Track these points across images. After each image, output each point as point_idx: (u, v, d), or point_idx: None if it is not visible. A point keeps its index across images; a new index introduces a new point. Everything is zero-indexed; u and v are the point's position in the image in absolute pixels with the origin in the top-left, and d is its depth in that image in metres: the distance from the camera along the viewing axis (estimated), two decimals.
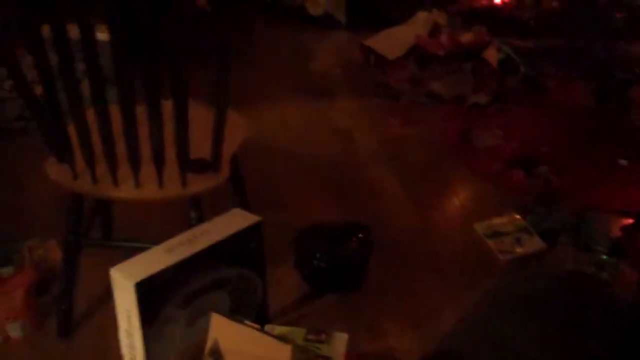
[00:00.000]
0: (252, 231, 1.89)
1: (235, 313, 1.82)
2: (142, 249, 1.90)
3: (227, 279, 1.88)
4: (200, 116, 1.86)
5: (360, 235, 2.27)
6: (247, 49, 3.82)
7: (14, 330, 2.11)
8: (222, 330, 1.67)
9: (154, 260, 1.75)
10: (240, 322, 1.65)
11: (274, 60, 3.90)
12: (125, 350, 1.77)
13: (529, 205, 2.68)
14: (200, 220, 1.96)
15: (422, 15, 3.95)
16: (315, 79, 3.78)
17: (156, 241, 1.93)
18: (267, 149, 3.00)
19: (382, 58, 3.75)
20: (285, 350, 1.56)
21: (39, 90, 1.84)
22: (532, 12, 3.70)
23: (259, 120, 2.45)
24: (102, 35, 1.72)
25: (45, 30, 1.73)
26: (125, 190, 1.91)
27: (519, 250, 2.47)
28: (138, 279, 1.67)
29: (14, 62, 1.80)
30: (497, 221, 2.61)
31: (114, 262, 1.92)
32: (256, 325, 1.64)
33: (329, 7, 4.39)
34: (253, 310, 1.93)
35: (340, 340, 1.73)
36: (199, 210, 1.97)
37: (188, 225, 1.95)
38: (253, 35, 4.21)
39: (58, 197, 2.38)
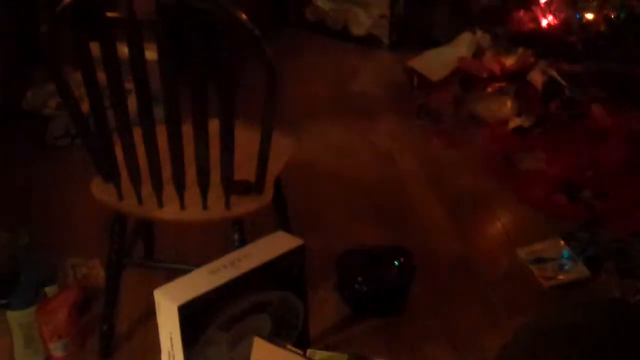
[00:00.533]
0: (295, 254, 1.88)
1: (276, 336, 1.81)
2: (183, 271, 1.90)
3: (269, 302, 1.87)
4: (245, 137, 1.87)
5: (402, 259, 2.26)
6: (290, 68, 3.84)
7: (57, 350, 2.13)
8: (264, 354, 1.66)
9: (198, 282, 1.75)
10: (283, 346, 1.64)
11: (317, 81, 3.90)
12: None
13: (573, 231, 2.65)
14: (244, 242, 1.96)
15: (466, 37, 3.93)
16: (358, 100, 3.77)
17: (197, 263, 1.94)
18: (309, 170, 3.00)
19: (426, 79, 3.73)
20: None
21: (86, 107, 1.87)
22: (579, 36, 3.66)
23: (301, 140, 2.46)
24: (150, 54, 1.74)
25: (95, 49, 1.76)
26: (170, 212, 1.92)
27: (562, 277, 2.44)
28: (182, 302, 1.67)
29: (64, 80, 1.82)
30: (540, 247, 2.58)
31: (156, 282, 1.92)
32: (298, 351, 1.63)
33: (373, 28, 4.39)
34: (294, 334, 1.92)
35: None
36: (242, 232, 1.98)
37: (231, 247, 1.96)
38: (297, 55, 4.23)
39: (102, 215, 2.41)
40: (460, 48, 3.87)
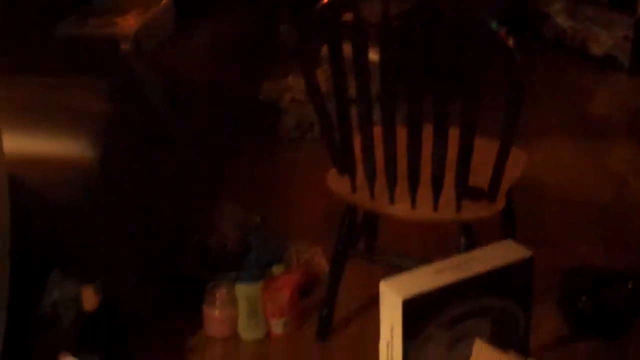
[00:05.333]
0: (522, 265, 1.87)
1: (495, 343, 1.80)
2: (405, 267, 1.93)
3: (490, 308, 1.86)
4: (481, 145, 1.87)
5: (630, 283, 2.17)
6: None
7: (277, 327, 2.23)
8: (484, 357, 1.66)
9: (423, 279, 1.77)
10: (505, 351, 1.63)
11: (549, 97, 3.81)
12: None
13: None
14: (470, 247, 1.97)
15: None
16: (591, 121, 3.65)
17: (417, 261, 1.96)
18: (536, 185, 2.94)
19: None
20: None
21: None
22: None
23: (530, 155, 2.43)
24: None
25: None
26: (401, 209, 1.96)
27: None
28: (407, 296, 1.70)
29: (314, 78, 1.91)
30: None
31: (376, 275, 1.98)
32: (521, 357, 1.62)
33: (613, 48, 4.23)
34: (512, 345, 1.90)
35: None
36: (470, 237, 1.98)
37: (452, 250, 1.97)
38: (532, 70, 4.16)
39: (327, 206, 2.50)
40: None
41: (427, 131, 1.81)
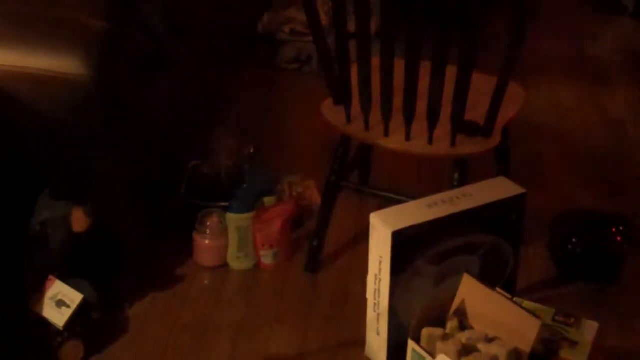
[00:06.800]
0: (515, 202, 1.86)
1: (483, 280, 1.80)
2: (396, 201, 1.93)
3: (480, 245, 1.87)
4: (479, 81, 1.85)
5: (621, 227, 2.16)
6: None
7: (267, 257, 2.23)
8: (471, 292, 1.66)
9: (414, 212, 1.77)
10: (492, 288, 1.63)
11: (551, 39, 3.77)
12: (370, 294, 1.81)
13: None
14: (463, 182, 1.96)
15: None
16: (593, 64, 3.61)
17: (410, 195, 1.96)
18: (533, 125, 2.92)
19: None
20: (534, 324, 1.53)
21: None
22: None
23: (528, 94, 2.40)
24: None
25: None
26: (395, 142, 1.94)
27: None
28: (396, 228, 1.70)
29: (315, 9, 1.87)
30: None
31: (367, 208, 1.97)
32: (507, 294, 1.62)
33: None
34: (500, 282, 1.90)
35: (590, 328, 1.67)
36: (462, 172, 1.97)
37: (444, 185, 1.96)
38: (532, 12, 4.10)
39: (321, 139, 2.48)
40: None
41: (424, 66, 1.78)
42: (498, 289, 1.64)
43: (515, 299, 1.68)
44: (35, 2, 2.04)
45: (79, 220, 1.93)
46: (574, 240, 2.13)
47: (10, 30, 1.93)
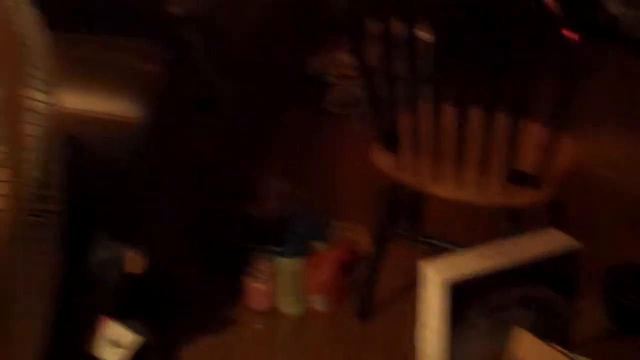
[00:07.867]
0: (568, 256, 1.84)
1: (536, 334, 1.78)
2: (448, 250, 1.92)
3: (533, 298, 1.84)
4: (531, 131, 1.85)
5: None
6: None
7: (318, 303, 2.23)
8: (526, 347, 1.64)
9: (467, 263, 1.76)
10: (548, 343, 1.61)
11: (599, 85, 3.73)
12: (421, 343, 1.80)
13: None
14: (515, 232, 1.94)
15: None
16: None
17: (460, 244, 1.94)
18: (584, 176, 2.89)
19: None
20: None
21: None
22: None
23: (579, 145, 2.37)
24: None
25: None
26: (446, 189, 1.94)
27: None
28: (449, 278, 1.69)
29: (364, 54, 1.90)
30: None
31: (417, 255, 1.96)
32: (565, 351, 1.60)
33: None
34: (554, 337, 1.87)
35: None
36: (516, 222, 1.96)
37: (496, 236, 1.94)
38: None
39: (371, 184, 2.48)
40: None
41: (475, 113, 1.79)
42: (554, 345, 1.62)
43: (572, 354, 1.66)
44: (95, 48, 2.09)
45: (135, 262, 1.95)
46: (628, 294, 2.11)
47: (74, 75, 1.98)
